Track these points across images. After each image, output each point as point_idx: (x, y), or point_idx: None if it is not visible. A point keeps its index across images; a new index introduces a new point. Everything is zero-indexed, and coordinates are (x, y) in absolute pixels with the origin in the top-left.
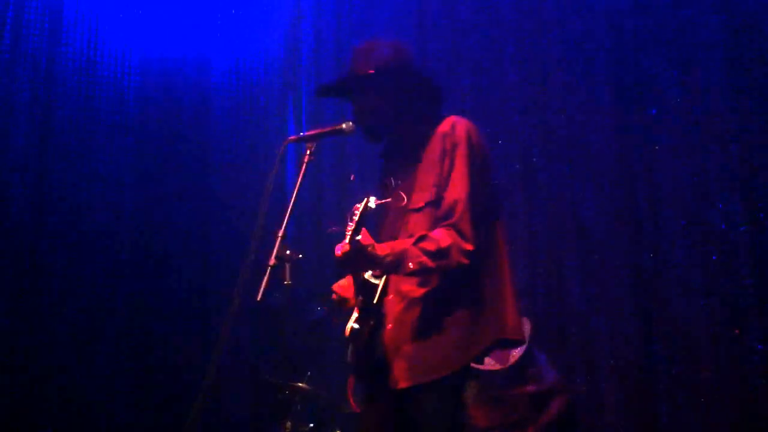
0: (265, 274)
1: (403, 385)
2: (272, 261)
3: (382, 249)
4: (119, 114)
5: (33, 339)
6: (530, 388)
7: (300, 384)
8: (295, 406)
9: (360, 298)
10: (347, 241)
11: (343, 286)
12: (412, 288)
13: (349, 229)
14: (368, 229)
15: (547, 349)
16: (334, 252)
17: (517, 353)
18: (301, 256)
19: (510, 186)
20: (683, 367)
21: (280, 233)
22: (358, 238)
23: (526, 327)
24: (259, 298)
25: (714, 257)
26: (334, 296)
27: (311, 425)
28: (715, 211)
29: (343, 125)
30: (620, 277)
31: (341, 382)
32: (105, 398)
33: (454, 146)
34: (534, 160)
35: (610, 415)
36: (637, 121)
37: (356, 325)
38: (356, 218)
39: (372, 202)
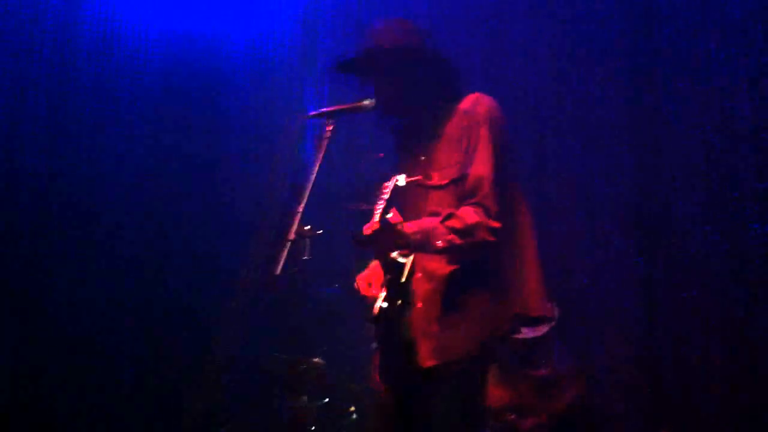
0: (284, 248)
1: (429, 363)
2: (292, 236)
3: (410, 227)
4: (137, 89)
5: (38, 328)
6: (541, 372)
7: (314, 360)
8: (310, 382)
9: (387, 277)
10: (377, 219)
11: (365, 279)
12: (439, 266)
13: (378, 207)
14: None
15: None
16: (355, 230)
17: (541, 330)
18: (320, 232)
19: (522, 166)
20: (692, 352)
21: (300, 209)
22: (389, 216)
23: (555, 310)
24: (278, 272)
25: (725, 245)
26: (358, 289)
27: (326, 400)
28: (727, 191)
29: (366, 101)
30: (630, 260)
31: (356, 358)
32: (111, 389)
33: (477, 123)
34: (546, 141)
35: (618, 401)
36: (651, 99)
37: (384, 305)
38: (386, 196)
39: (402, 180)
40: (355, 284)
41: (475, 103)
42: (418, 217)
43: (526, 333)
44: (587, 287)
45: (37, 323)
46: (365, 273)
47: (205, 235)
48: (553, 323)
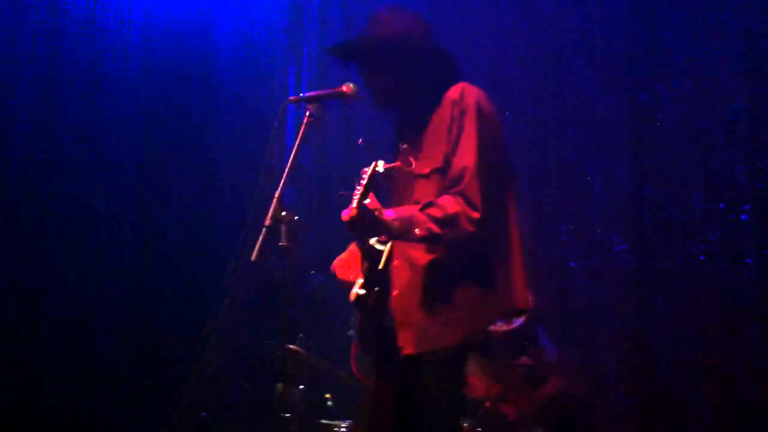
0: (260, 235)
1: (408, 352)
2: (268, 222)
3: (389, 214)
4: (123, 70)
5: (33, 317)
6: (525, 361)
7: (291, 347)
8: (287, 369)
9: (365, 264)
10: (354, 205)
11: (343, 262)
12: (419, 254)
13: (357, 193)
14: (376, 195)
15: (547, 325)
16: (338, 217)
17: (516, 321)
18: (297, 218)
19: (522, 165)
20: (690, 352)
21: (277, 194)
22: (366, 202)
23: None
24: (253, 258)
25: (724, 245)
26: (334, 272)
27: (301, 387)
28: (726, 191)
29: (344, 88)
30: (629, 260)
31: (334, 346)
32: (110, 387)
33: (463, 113)
34: (546, 141)
35: (609, 397)
36: (651, 98)
37: (361, 291)
38: (364, 182)
39: (380, 166)
40: (332, 267)
41: (463, 93)
42: (402, 205)
43: (501, 325)
44: (586, 287)
45: (37, 323)
46: (343, 256)
47: (199, 223)
48: (526, 315)
